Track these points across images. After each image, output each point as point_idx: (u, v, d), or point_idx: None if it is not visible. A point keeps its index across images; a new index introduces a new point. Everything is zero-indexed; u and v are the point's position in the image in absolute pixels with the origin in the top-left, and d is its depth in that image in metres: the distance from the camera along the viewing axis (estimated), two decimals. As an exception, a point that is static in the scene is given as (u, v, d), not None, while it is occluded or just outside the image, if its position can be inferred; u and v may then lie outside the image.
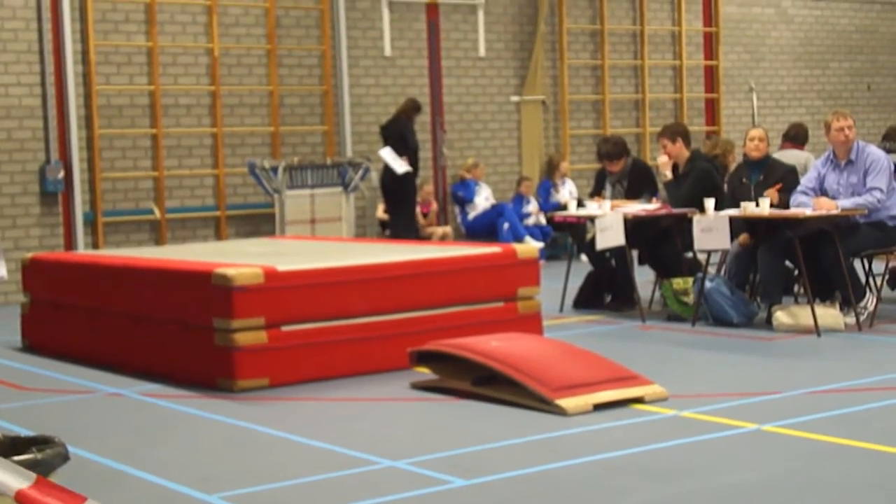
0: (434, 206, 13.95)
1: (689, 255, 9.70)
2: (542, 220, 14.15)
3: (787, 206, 8.84)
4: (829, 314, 8.54)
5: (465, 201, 14.07)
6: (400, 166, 12.54)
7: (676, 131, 9.91)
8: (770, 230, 8.81)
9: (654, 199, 9.97)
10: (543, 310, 8.29)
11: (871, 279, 9.30)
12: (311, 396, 6.87)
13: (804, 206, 8.71)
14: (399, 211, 12.89)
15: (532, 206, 14.25)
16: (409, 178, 12.74)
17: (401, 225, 12.71)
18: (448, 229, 13.81)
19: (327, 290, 7.35)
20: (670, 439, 5.59)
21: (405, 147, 12.68)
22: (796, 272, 9.36)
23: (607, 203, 9.73)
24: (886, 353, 7.81)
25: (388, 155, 12.62)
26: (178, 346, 7.43)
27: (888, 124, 17.16)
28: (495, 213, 13.92)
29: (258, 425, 6.17)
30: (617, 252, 9.61)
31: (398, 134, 12.70)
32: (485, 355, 6.54)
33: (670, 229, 9.54)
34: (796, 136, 11.28)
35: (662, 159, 9.87)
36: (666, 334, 8.71)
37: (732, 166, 10.23)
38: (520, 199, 14.32)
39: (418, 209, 13.52)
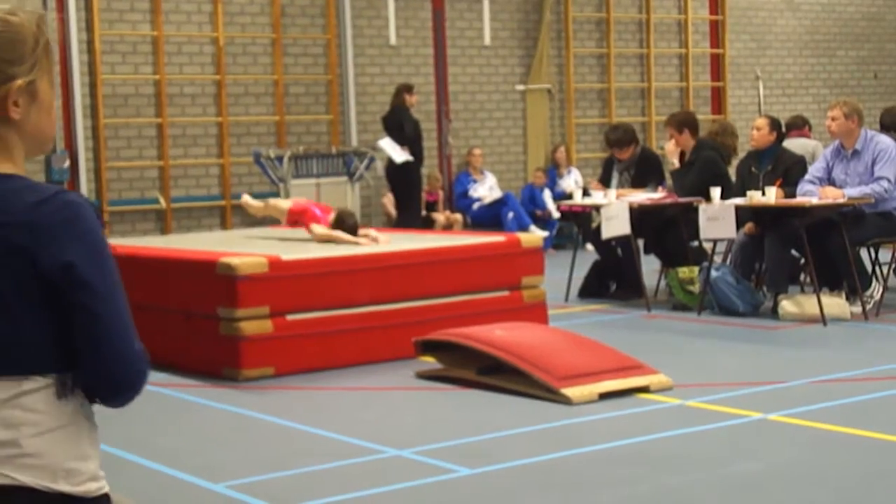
0: (440, 194, 13.92)
1: (695, 244, 9.68)
2: (555, 214, 14.06)
3: (791, 197, 8.81)
4: (835, 303, 8.53)
5: (462, 195, 14.04)
6: (398, 155, 12.52)
7: (683, 122, 9.88)
8: (776, 219, 8.79)
9: (661, 188, 9.95)
10: (549, 299, 8.28)
11: (877, 268, 9.29)
12: (316, 385, 6.87)
13: (811, 194, 8.69)
14: (404, 201, 12.87)
15: (548, 199, 14.09)
16: (411, 167, 12.72)
17: (406, 214, 12.70)
18: (457, 216, 13.77)
19: (332, 279, 7.35)
20: (675, 428, 5.58)
21: (403, 135, 12.66)
22: (802, 261, 9.34)
23: (613, 192, 9.72)
24: (892, 343, 7.79)
25: (387, 145, 12.61)
26: (183, 336, 7.44)
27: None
28: (500, 202, 13.89)
29: (263, 414, 6.18)
30: (622, 241, 9.60)
31: (396, 123, 12.69)
32: (490, 344, 6.54)
33: (676, 218, 9.52)
34: (793, 124, 11.28)
35: (670, 145, 9.84)
36: (671, 323, 8.71)
37: (741, 153, 10.19)
38: (531, 190, 14.25)
39: (424, 198, 13.49)
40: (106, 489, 2.02)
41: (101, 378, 1.99)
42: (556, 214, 14.03)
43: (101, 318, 1.94)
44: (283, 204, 8.78)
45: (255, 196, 12.96)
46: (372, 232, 8.33)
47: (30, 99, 1.99)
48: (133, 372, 2.00)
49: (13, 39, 1.97)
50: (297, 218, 8.41)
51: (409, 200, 12.87)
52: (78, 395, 2.00)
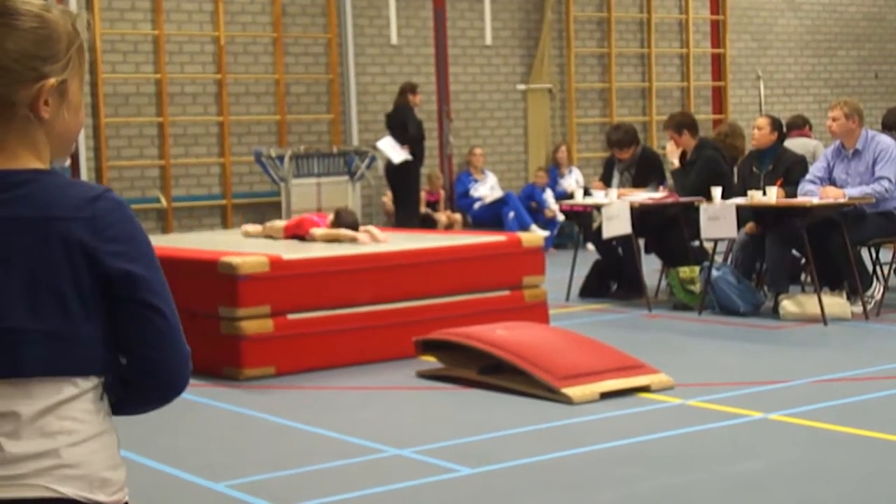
0: (441, 194, 13.93)
1: (696, 243, 9.68)
2: (559, 217, 14.03)
3: (792, 197, 8.81)
4: (835, 303, 8.53)
5: (463, 194, 14.05)
6: (397, 155, 12.51)
7: (680, 124, 9.87)
8: (777, 219, 8.80)
9: (662, 188, 9.94)
10: (550, 299, 8.29)
11: (878, 268, 9.29)
12: (316, 385, 6.87)
13: (811, 194, 8.69)
14: (402, 199, 12.89)
15: (550, 199, 14.08)
16: (411, 166, 12.72)
17: (404, 213, 12.71)
18: (457, 216, 13.78)
19: (333, 279, 7.35)
20: (676, 428, 5.58)
21: (406, 135, 12.66)
22: (803, 261, 9.34)
23: (614, 191, 9.72)
24: (893, 342, 7.79)
25: (386, 145, 12.61)
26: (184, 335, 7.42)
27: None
28: (501, 202, 13.89)
29: (264, 413, 6.18)
30: (623, 241, 9.60)
31: (400, 122, 12.70)
32: (491, 344, 6.54)
33: (677, 218, 9.52)
34: (794, 124, 11.28)
35: (670, 146, 9.86)
36: (672, 323, 8.71)
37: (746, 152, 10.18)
38: (532, 190, 14.23)
39: (424, 197, 13.49)
40: (127, 498, 2.00)
41: (152, 377, 1.96)
42: (560, 217, 14.00)
43: (163, 315, 1.93)
44: (279, 223, 8.86)
45: (256, 196, 13.03)
46: (372, 229, 8.34)
47: (60, 99, 1.91)
48: (185, 374, 1.98)
49: (49, 36, 1.89)
50: (294, 231, 8.45)
51: (408, 199, 12.87)
52: (106, 401, 1.97)
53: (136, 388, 1.97)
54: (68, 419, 1.89)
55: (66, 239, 1.87)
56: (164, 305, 1.93)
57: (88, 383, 1.92)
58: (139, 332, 1.92)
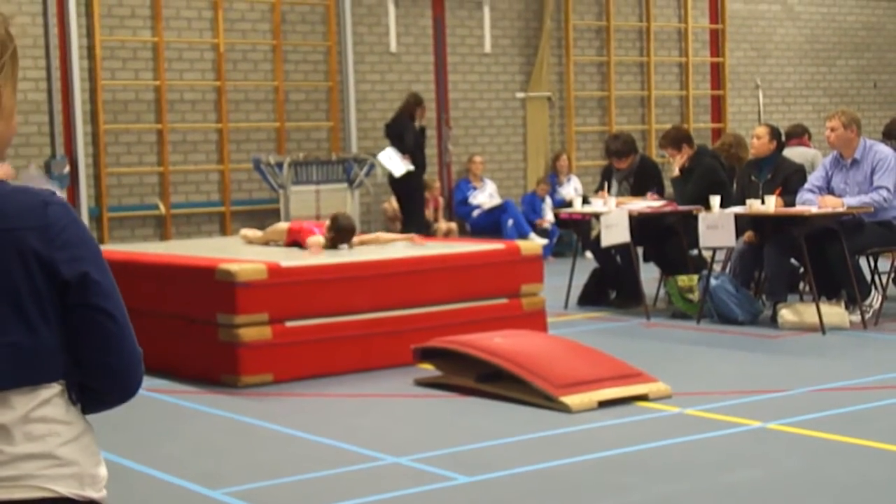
0: (440, 202, 13.93)
1: (695, 252, 9.68)
2: (547, 226, 14.05)
3: (791, 206, 8.82)
4: (834, 312, 8.53)
5: (462, 202, 14.07)
6: (398, 167, 12.50)
7: (676, 139, 9.86)
8: (776, 228, 8.80)
9: (650, 195, 9.82)
10: (548, 307, 8.28)
11: (876, 277, 9.29)
12: (314, 392, 6.87)
13: (810, 203, 8.69)
14: (408, 209, 12.89)
15: (547, 209, 14.07)
16: (413, 175, 12.72)
17: (411, 222, 12.70)
18: (453, 225, 13.79)
19: (331, 286, 7.35)
20: (674, 437, 5.58)
21: (403, 145, 12.66)
22: (801, 270, 9.34)
23: (613, 200, 9.71)
24: (891, 352, 7.79)
25: (385, 158, 12.59)
26: (182, 342, 7.43)
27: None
28: (500, 209, 13.90)
29: (262, 421, 6.17)
30: (622, 249, 9.60)
31: (397, 133, 12.70)
32: (489, 352, 6.53)
33: (675, 226, 9.52)
34: (793, 132, 11.29)
35: (678, 159, 9.80)
36: (670, 332, 8.71)
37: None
38: (533, 199, 14.23)
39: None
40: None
41: (107, 382, 1.97)
42: (547, 226, 13.99)
43: (115, 319, 1.93)
44: (282, 224, 8.88)
45: (255, 203, 13.03)
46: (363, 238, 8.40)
47: None
48: (139, 376, 2.00)
49: None
50: (296, 236, 8.48)
51: (412, 207, 12.88)
52: (77, 402, 1.99)
53: (92, 392, 1.98)
54: (52, 422, 1.91)
55: (20, 250, 1.85)
56: (115, 310, 1.93)
57: (60, 386, 1.93)
58: (92, 338, 1.93)
